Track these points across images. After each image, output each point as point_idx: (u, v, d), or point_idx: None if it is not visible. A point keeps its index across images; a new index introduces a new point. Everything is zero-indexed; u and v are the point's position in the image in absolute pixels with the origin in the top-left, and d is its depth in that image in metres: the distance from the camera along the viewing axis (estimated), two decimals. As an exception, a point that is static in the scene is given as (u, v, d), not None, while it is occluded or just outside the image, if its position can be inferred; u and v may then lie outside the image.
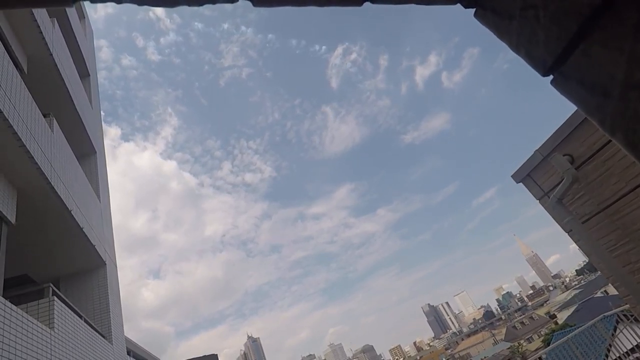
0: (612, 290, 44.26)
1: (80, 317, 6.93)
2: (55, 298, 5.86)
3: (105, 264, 9.02)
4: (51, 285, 6.09)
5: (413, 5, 0.66)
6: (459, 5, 0.63)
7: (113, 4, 0.59)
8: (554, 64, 0.58)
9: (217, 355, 8.67)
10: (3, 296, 4.50)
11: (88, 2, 0.58)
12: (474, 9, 0.66)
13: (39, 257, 7.77)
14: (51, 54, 7.81)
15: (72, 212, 6.85)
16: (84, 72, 12.36)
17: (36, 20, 7.11)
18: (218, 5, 0.64)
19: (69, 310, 6.35)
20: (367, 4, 0.62)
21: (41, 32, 7.34)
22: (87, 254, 8.32)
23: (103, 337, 7.88)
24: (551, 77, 0.61)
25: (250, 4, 0.59)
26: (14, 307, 4.52)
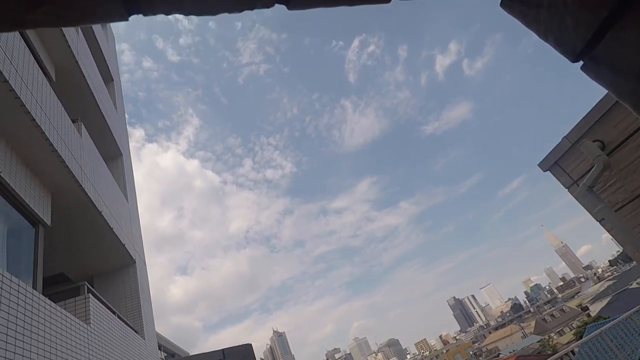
0: (648, 280, 42.33)
1: (114, 313, 7.22)
2: (90, 295, 6.13)
3: (135, 262, 9.34)
4: (86, 283, 6.37)
5: None
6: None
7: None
8: (584, 49, 0.57)
9: (251, 345, 8.85)
10: (42, 294, 4.76)
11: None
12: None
13: (73, 257, 8.13)
14: (77, 62, 8.09)
15: (102, 212, 7.12)
16: (108, 77, 12.75)
17: (62, 29, 7.38)
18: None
19: (103, 307, 6.63)
20: (394, 0, 0.62)
21: (67, 41, 7.60)
22: (118, 252, 8.64)
23: (135, 332, 8.19)
24: (581, 62, 0.60)
25: (284, 7, 0.60)
26: (53, 304, 4.77)
